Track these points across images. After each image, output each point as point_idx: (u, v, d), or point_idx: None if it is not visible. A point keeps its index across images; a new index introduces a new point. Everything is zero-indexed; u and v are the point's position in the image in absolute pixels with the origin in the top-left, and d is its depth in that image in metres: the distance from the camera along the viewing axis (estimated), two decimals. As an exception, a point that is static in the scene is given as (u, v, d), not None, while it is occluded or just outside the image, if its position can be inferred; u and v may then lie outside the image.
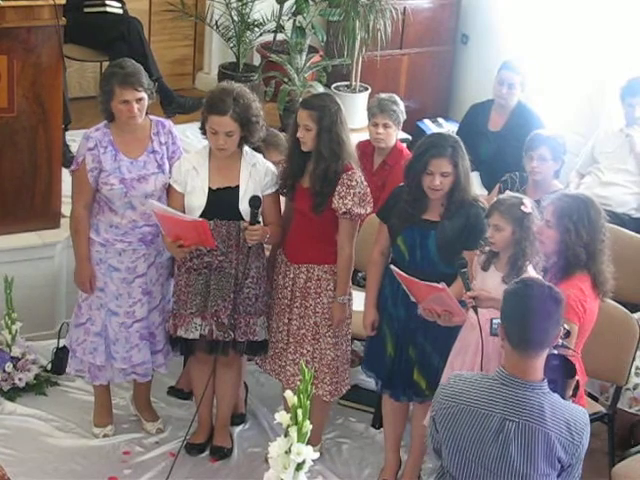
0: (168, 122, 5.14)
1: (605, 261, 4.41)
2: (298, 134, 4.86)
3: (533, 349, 3.57)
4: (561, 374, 3.77)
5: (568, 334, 3.85)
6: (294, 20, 7.56)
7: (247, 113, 4.83)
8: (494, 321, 4.15)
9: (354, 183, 4.85)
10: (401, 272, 4.62)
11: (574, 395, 3.87)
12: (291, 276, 5.02)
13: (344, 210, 4.84)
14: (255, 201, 4.85)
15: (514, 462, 3.57)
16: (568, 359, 3.82)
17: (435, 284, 4.49)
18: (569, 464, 3.62)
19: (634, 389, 5.28)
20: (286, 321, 5.06)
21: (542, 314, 3.57)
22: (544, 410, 3.57)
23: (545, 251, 4.45)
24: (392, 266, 4.70)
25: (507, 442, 3.57)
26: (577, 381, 3.86)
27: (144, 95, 4.91)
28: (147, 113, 5.00)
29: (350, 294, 5.06)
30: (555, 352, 3.76)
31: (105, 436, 5.36)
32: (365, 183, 4.91)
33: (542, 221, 4.47)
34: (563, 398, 3.70)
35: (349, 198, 4.84)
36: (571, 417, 3.60)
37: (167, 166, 5.02)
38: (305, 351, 5.02)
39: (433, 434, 3.76)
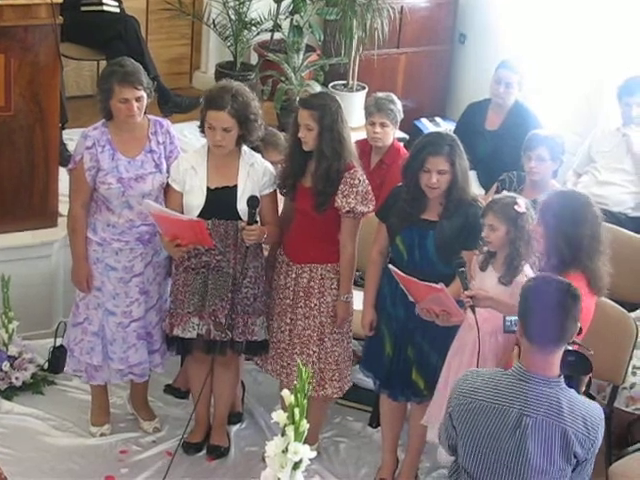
0: (166, 122, 5.13)
1: (601, 259, 4.38)
2: (299, 134, 4.85)
3: (551, 345, 3.61)
4: (576, 370, 3.80)
5: (580, 331, 3.87)
6: (291, 19, 7.56)
7: (245, 110, 4.83)
8: (507, 318, 4.18)
9: (357, 182, 4.85)
10: (399, 272, 4.62)
11: (586, 391, 3.89)
12: (293, 276, 5.01)
13: (347, 209, 4.84)
14: (253, 201, 4.85)
15: (531, 457, 3.60)
16: (584, 356, 3.83)
17: (433, 284, 4.49)
18: (584, 459, 3.66)
19: (631, 388, 5.28)
20: (288, 321, 5.05)
21: (560, 310, 3.60)
22: (562, 406, 3.60)
23: (539, 250, 4.44)
24: (390, 266, 4.70)
25: (524, 437, 3.60)
26: (590, 378, 3.88)
27: (143, 94, 4.90)
28: (145, 112, 5.00)
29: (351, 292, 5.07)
30: (570, 348, 3.79)
31: (102, 435, 5.35)
32: (367, 181, 4.91)
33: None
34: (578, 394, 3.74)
35: (352, 197, 4.84)
36: (587, 413, 3.64)
37: (165, 166, 5.01)
38: (311, 352, 5.02)
39: (449, 430, 3.77)
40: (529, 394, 3.61)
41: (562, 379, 3.65)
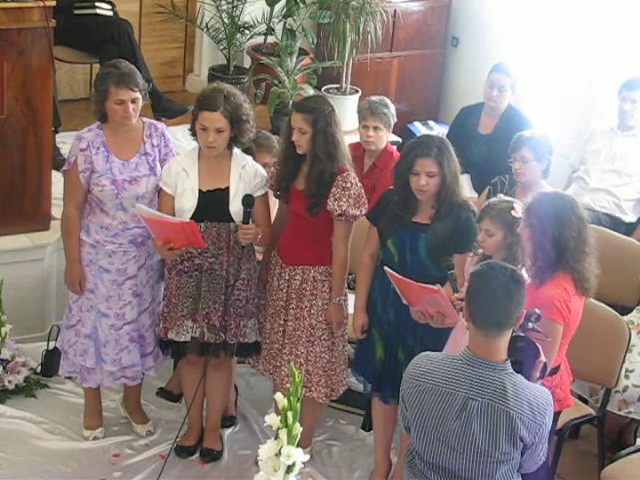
0: (161, 124, 5.14)
1: (587, 260, 4.38)
2: (293, 137, 4.85)
3: (494, 329, 3.66)
4: (527, 356, 3.84)
5: (539, 318, 3.90)
6: (284, 22, 7.57)
7: (237, 111, 4.83)
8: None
9: (349, 185, 4.86)
10: (395, 274, 4.61)
11: (542, 377, 3.92)
12: (286, 278, 5.01)
13: (339, 212, 4.85)
14: (248, 199, 4.85)
15: (476, 439, 3.66)
16: (533, 341, 3.86)
17: (429, 286, 4.49)
18: (532, 443, 3.70)
19: (623, 391, 5.28)
20: (281, 322, 5.06)
21: (503, 294, 3.66)
22: (506, 390, 3.65)
23: (527, 252, 4.43)
24: (386, 268, 4.69)
25: (470, 420, 3.65)
26: (544, 363, 3.90)
27: (139, 95, 4.91)
28: (140, 115, 5.00)
29: (345, 295, 5.06)
30: (522, 334, 3.83)
31: (95, 438, 5.35)
32: (359, 184, 4.92)
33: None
34: (529, 380, 3.77)
35: (344, 200, 4.84)
36: (533, 397, 3.68)
37: (159, 168, 5.01)
38: (300, 352, 5.02)
39: (403, 412, 3.83)
40: (474, 378, 3.67)
41: (508, 363, 3.70)
